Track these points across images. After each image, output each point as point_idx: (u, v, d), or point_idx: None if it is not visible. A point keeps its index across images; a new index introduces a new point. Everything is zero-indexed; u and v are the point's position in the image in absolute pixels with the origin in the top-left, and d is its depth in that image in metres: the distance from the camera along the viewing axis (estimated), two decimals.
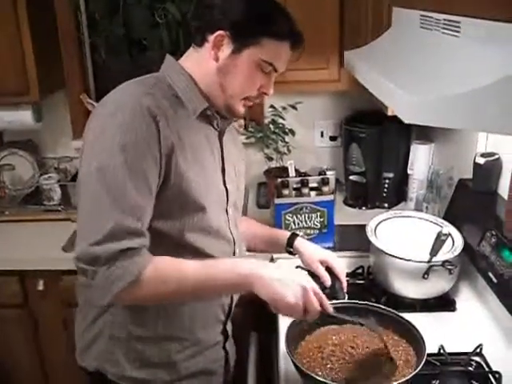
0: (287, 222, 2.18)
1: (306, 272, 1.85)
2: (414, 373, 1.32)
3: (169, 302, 1.40)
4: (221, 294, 1.47)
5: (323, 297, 1.34)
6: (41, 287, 2.35)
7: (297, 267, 1.91)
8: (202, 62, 1.39)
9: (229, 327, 1.64)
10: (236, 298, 1.61)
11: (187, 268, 1.29)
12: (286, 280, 1.28)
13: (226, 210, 1.51)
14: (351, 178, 2.64)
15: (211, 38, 1.35)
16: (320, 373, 1.39)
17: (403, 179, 2.58)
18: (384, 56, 1.60)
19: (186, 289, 1.29)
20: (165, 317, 1.45)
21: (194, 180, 1.36)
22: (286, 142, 2.69)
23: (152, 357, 1.47)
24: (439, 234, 1.71)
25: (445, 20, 1.33)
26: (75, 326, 1.58)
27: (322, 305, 1.33)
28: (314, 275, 1.73)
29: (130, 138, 1.24)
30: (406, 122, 1.09)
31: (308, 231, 2.20)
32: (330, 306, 1.36)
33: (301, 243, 1.74)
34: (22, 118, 2.63)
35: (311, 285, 1.32)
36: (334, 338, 1.50)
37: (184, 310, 1.46)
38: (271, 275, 1.28)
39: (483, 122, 1.00)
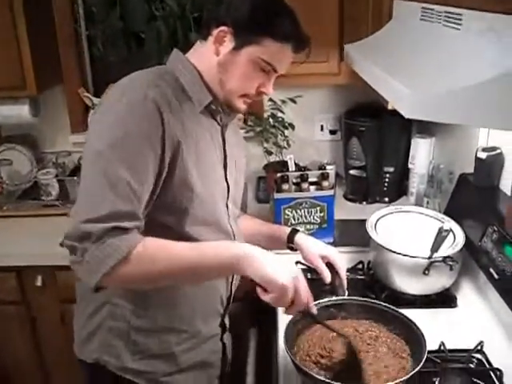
0: (287, 216, 2.16)
1: (306, 267, 1.85)
2: (414, 371, 1.30)
3: (158, 284, 1.36)
4: (213, 274, 1.40)
5: (311, 297, 1.33)
6: (39, 283, 2.34)
7: (297, 263, 1.91)
8: (205, 56, 1.40)
9: (227, 320, 1.65)
10: (234, 290, 1.61)
11: (179, 247, 1.28)
12: (279, 264, 1.27)
13: (227, 205, 1.53)
14: (351, 172, 2.62)
15: (215, 32, 1.37)
16: (317, 369, 1.38)
17: (404, 173, 2.57)
18: (384, 49, 1.58)
19: (177, 267, 1.27)
20: (165, 308, 1.46)
21: (197, 173, 1.37)
22: (286, 136, 2.67)
23: (152, 348, 1.48)
24: (440, 230, 1.70)
25: (446, 12, 1.31)
26: (74, 320, 1.58)
27: (307, 302, 1.32)
28: (314, 271, 1.72)
29: (131, 126, 1.25)
30: (407, 117, 1.07)
31: (308, 226, 2.18)
32: (314, 306, 1.37)
33: (301, 238, 1.72)
34: (19, 112, 2.62)
35: (303, 278, 1.31)
36: (332, 334, 1.49)
37: (184, 301, 1.47)
38: (266, 257, 1.27)
39: (484, 117, 0.99)
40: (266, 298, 1.28)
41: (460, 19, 1.23)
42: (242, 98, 1.43)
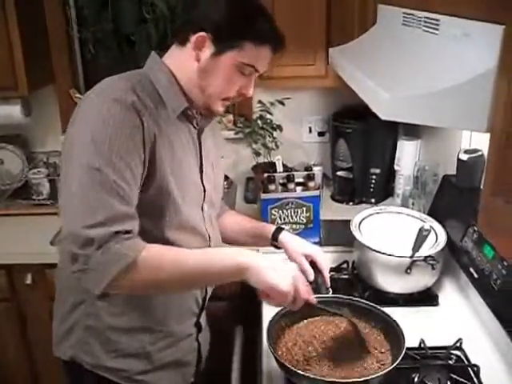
0: (273, 216, 2.19)
1: None
2: (391, 367, 1.34)
3: (163, 291, 1.41)
4: (217, 281, 1.47)
5: (309, 288, 1.38)
6: (28, 281, 2.36)
7: None
8: (184, 62, 1.39)
9: (202, 320, 1.66)
10: (210, 291, 1.63)
11: (184, 253, 1.32)
12: (278, 269, 1.32)
13: (202, 207, 1.53)
14: (338, 173, 2.66)
15: (193, 38, 1.35)
16: (300, 366, 1.41)
17: (390, 175, 2.60)
18: (366, 53, 1.62)
19: (183, 273, 1.30)
20: (139, 308, 1.47)
21: (173, 177, 1.38)
22: (274, 138, 2.70)
23: (126, 347, 1.49)
24: (421, 230, 1.73)
25: (425, 18, 1.35)
26: (53, 317, 1.59)
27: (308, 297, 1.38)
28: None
29: (113, 130, 1.25)
30: (383, 118, 1.11)
31: (294, 226, 2.21)
32: (314, 297, 1.41)
33: (286, 237, 1.74)
34: (10, 112, 2.64)
35: (300, 274, 1.37)
36: (313, 331, 1.53)
37: (158, 302, 1.48)
38: (265, 264, 1.31)
39: (456, 119, 1.02)
40: (269, 303, 1.35)
41: (437, 24, 1.27)
42: (222, 101, 1.43)
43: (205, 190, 1.53)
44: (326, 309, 1.54)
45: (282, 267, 1.34)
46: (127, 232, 1.24)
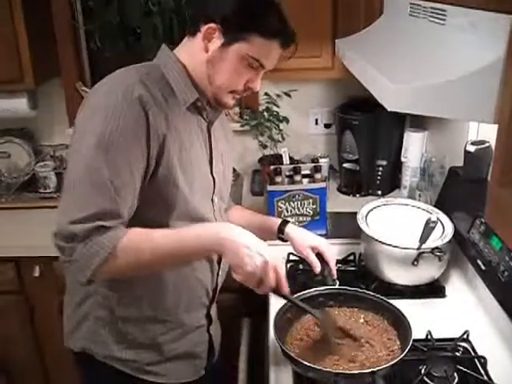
0: (280, 209, 2.19)
1: (298, 258, 1.88)
2: (399, 358, 1.34)
3: (146, 272, 1.41)
4: (195, 257, 1.46)
5: (283, 278, 1.35)
6: (36, 274, 2.38)
7: (289, 254, 1.94)
8: (194, 52, 1.41)
9: (213, 311, 1.67)
10: (220, 283, 1.64)
11: (161, 234, 1.32)
12: (253, 249, 1.29)
13: (212, 199, 1.54)
14: (345, 165, 2.65)
15: (203, 29, 1.36)
16: (306, 357, 1.40)
17: (397, 167, 2.59)
18: (373, 44, 1.61)
19: (160, 254, 1.31)
20: (149, 299, 1.48)
21: (182, 169, 1.38)
22: (280, 130, 2.69)
23: (137, 338, 1.51)
24: (428, 221, 1.72)
25: (432, 8, 1.34)
26: (63, 308, 1.61)
27: (278, 284, 1.35)
28: (306, 262, 1.75)
29: (116, 126, 1.26)
30: (389, 109, 1.10)
31: (300, 218, 2.21)
32: (286, 287, 1.38)
33: (292, 229, 1.75)
34: (17, 105, 2.64)
35: (274, 262, 1.33)
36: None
37: (167, 292, 1.49)
38: (242, 241, 1.30)
39: (462, 110, 1.02)
40: (235, 277, 1.33)
41: (444, 15, 1.26)
42: (231, 94, 1.43)
43: (214, 182, 1.53)
44: (297, 304, 1.50)
45: (258, 248, 1.30)
46: (110, 227, 1.26)
